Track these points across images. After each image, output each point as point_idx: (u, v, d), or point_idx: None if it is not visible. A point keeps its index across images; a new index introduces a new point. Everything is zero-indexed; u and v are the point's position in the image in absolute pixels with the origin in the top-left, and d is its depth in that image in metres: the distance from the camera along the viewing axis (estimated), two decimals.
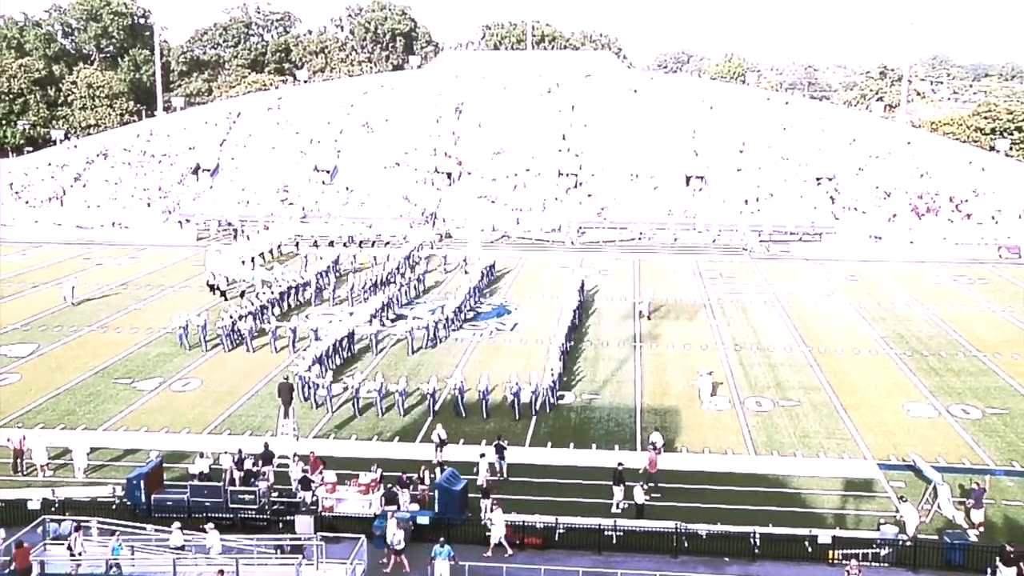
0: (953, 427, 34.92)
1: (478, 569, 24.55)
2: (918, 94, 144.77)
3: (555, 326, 46.45)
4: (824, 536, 25.49)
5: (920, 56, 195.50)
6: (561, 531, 26.22)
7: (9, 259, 66.12)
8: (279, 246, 68.30)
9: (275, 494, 28.07)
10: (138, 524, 25.27)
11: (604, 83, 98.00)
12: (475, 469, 29.38)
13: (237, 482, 28.31)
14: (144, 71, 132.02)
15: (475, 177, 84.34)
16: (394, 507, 26.92)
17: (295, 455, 29.79)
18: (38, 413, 35.92)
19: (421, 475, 28.66)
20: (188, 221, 77.83)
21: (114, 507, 27.43)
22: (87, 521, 25.15)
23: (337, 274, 58.50)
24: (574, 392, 38.52)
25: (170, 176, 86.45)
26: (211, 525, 24.73)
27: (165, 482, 28.66)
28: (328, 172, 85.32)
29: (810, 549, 25.38)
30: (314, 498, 27.43)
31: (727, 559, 25.51)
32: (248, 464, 29.02)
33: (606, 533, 25.98)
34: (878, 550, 25.18)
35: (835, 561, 24.99)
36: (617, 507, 28.05)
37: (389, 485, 27.73)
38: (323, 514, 26.94)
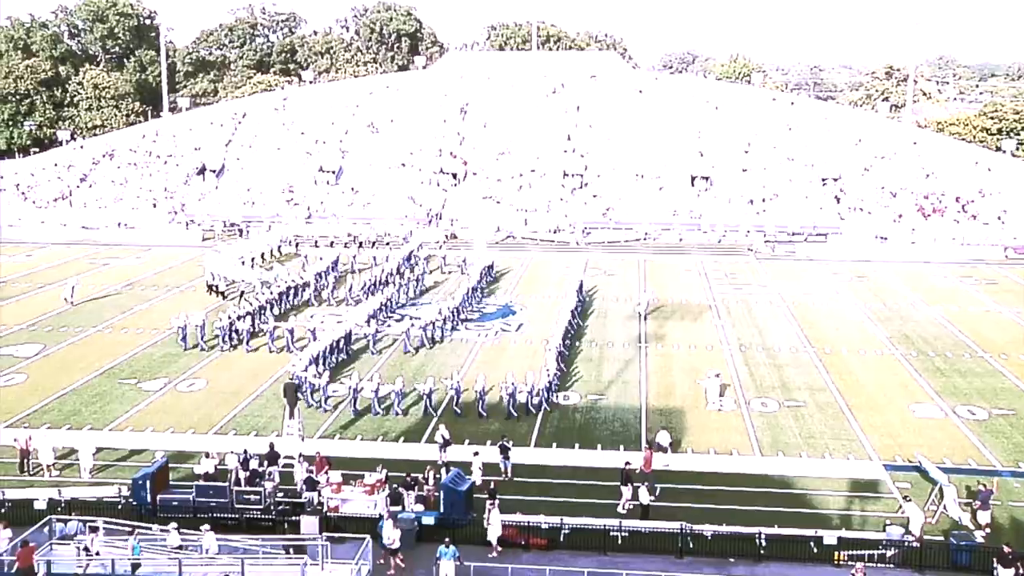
0: (959, 428, 34.83)
1: (483, 569, 24.53)
2: (924, 94, 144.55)
3: (559, 327, 46.41)
4: (830, 537, 25.44)
5: (926, 56, 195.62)
6: (566, 532, 26.19)
7: (15, 259, 66.32)
8: (279, 246, 68.39)
9: (280, 494, 28.09)
10: (144, 524, 25.30)
11: (609, 83, 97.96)
12: (470, 468, 29.39)
13: (242, 482, 28.31)
14: (150, 72, 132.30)
15: (480, 177, 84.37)
16: (397, 508, 26.93)
17: (300, 455, 29.82)
18: (44, 413, 36.00)
19: (426, 476, 28.66)
20: (198, 225, 77.91)
21: (120, 507, 27.45)
22: (93, 521, 25.19)
23: (337, 275, 58.57)
24: (579, 392, 38.51)
25: (176, 177, 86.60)
26: (207, 526, 24.76)
27: (171, 482, 28.69)
28: (333, 173, 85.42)
29: (816, 550, 25.33)
30: (319, 498, 27.44)
31: (732, 560, 25.48)
32: (253, 464, 29.04)
33: (611, 534, 25.95)
34: (884, 551, 25.14)
35: (841, 562, 24.94)
36: (624, 507, 28.04)
37: (395, 486, 27.75)
38: (328, 514, 26.95)
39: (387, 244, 69.38)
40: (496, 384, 37.04)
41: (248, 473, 28.54)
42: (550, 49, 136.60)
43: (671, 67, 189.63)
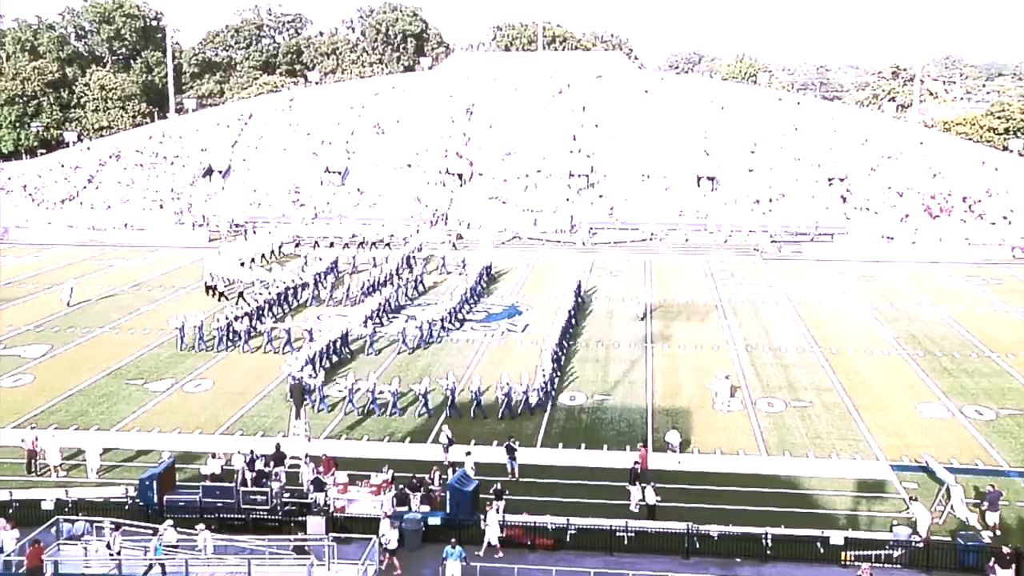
0: (966, 428, 34.75)
1: (489, 570, 24.55)
2: (931, 94, 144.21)
3: (555, 327, 46.34)
4: (836, 537, 25.40)
5: (933, 56, 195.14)
6: (573, 532, 26.19)
7: (23, 260, 66.54)
8: (280, 247, 68.45)
9: (287, 495, 28.12)
10: (150, 525, 25.34)
11: (615, 84, 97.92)
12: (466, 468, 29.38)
13: (249, 483, 28.35)
14: (156, 73, 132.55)
15: (486, 178, 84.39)
16: (403, 508, 26.96)
17: (307, 456, 29.86)
18: (51, 414, 36.10)
19: (432, 476, 28.67)
20: (206, 224, 78.09)
21: (127, 508, 27.50)
22: (100, 521, 25.26)
23: (336, 275, 58.63)
24: (585, 393, 38.50)
25: (182, 178, 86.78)
26: (202, 525, 24.81)
27: (177, 483, 28.75)
28: (339, 173, 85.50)
29: (822, 550, 25.28)
30: (326, 499, 27.46)
31: (739, 560, 25.45)
32: (260, 465, 29.08)
33: (618, 534, 25.94)
34: (891, 551, 25.09)
35: (847, 562, 24.89)
36: (635, 506, 28.04)
37: (401, 486, 27.77)
38: (335, 515, 26.97)
39: (387, 245, 69.40)
40: (492, 384, 37.04)
41: (254, 473, 28.59)
42: (556, 49, 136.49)
43: (677, 67, 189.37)
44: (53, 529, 24.96)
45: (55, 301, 53.41)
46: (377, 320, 47.64)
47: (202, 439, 33.57)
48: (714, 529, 26.13)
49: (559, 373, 40.22)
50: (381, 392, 36.27)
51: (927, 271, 63.43)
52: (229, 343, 44.36)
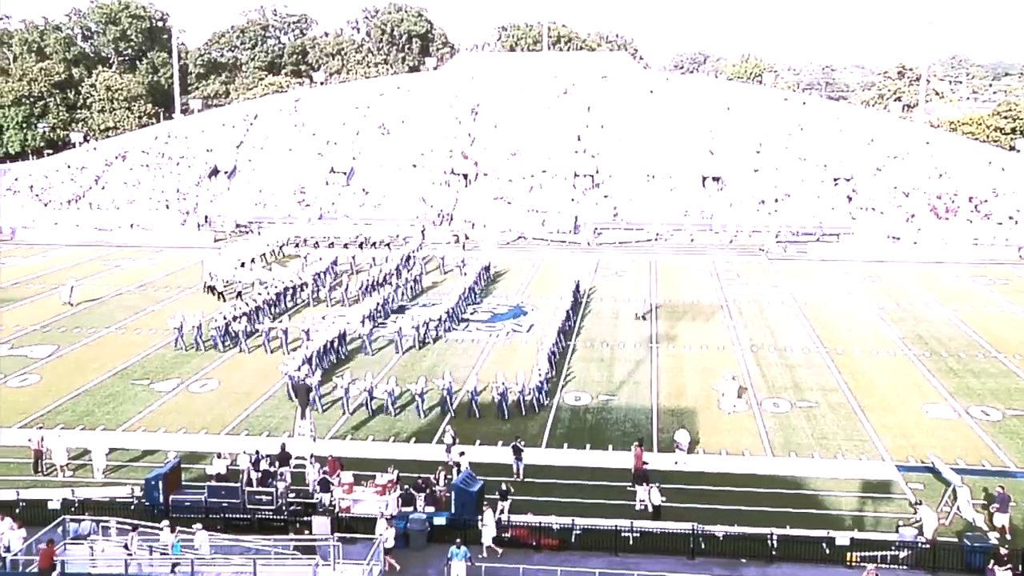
0: (973, 429, 34.66)
1: (494, 570, 24.55)
2: (937, 94, 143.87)
3: (556, 327, 46.27)
4: (842, 538, 25.36)
5: (939, 55, 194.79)
6: (578, 532, 26.16)
7: (30, 261, 66.71)
8: (280, 247, 68.52)
9: (292, 495, 28.15)
10: (156, 525, 25.38)
11: (620, 84, 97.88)
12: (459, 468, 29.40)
13: (254, 483, 28.40)
14: (162, 74, 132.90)
15: (491, 178, 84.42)
16: (408, 508, 26.98)
17: (312, 456, 29.88)
18: (58, 414, 36.17)
19: (437, 476, 28.67)
20: (212, 226, 78.20)
21: (132, 507, 27.56)
22: (106, 521, 25.32)
23: (335, 275, 58.65)
24: (590, 393, 38.47)
25: (188, 178, 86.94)
26: (199, 525, 24.83)
27: (183, 483, 28.80)
28: (345, 174, 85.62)
29: (828, 551, 25.23)
30: (331, 499, 27.48)
31: (744, 560, 25.41)
32: (265, 465, 29.12)
33: (623, 534, 25.91)
34: (897, 552, 25.04)
35: (853, 563, 24.85)
36: (641, 505, 28.02)
37: (406, 487, 27.78)
38: (340, 515, 27.00)
39: (387, 245, 69.42)
40: (488, 384, 37.04)
41: (260, 474, 28.65)
42: (561, 50, 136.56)
43: (682, 67, 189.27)
44: (59, 529, 25.03)
45: (61, 302, 53.51)
46: (378, 320, 47.67)
47: (208, 439, 33.62)
48: (719, 530, 26.11)
49: (555, 372, 40.17)
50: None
51: (933, 271, 63.30)
52: (228, 343, 44.39)
